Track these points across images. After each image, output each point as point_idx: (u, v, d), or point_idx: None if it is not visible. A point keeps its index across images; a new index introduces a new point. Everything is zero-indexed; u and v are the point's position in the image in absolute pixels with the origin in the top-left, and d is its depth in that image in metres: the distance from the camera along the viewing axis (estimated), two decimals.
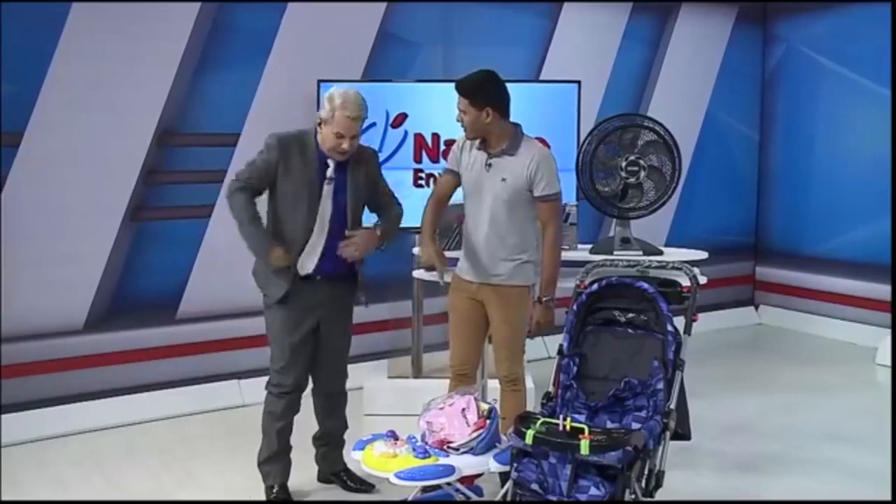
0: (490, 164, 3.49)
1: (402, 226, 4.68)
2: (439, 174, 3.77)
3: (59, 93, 4.50)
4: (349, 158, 3.52)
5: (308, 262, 3.52)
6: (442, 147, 4.89)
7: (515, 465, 2.90)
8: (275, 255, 3.42)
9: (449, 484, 3.17)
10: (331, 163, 3.49)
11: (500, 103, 3.46)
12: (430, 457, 3.04)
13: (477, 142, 3.53)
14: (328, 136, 3.43)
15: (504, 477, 3.12)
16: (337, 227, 3.53)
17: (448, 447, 3.08)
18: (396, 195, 3.79)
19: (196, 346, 5.03)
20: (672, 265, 3.53)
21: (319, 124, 3.46)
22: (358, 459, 3.18)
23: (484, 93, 3.44)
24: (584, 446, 2.70)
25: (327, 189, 3.50)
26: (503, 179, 3.46)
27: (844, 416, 4.84)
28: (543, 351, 5.40)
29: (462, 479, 3.15)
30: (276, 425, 3.59)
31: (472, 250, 3.57)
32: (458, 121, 3.51)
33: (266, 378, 3.64)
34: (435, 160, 4.90)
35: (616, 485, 2.75)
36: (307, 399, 3.71)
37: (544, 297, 3.53)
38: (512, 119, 3.54)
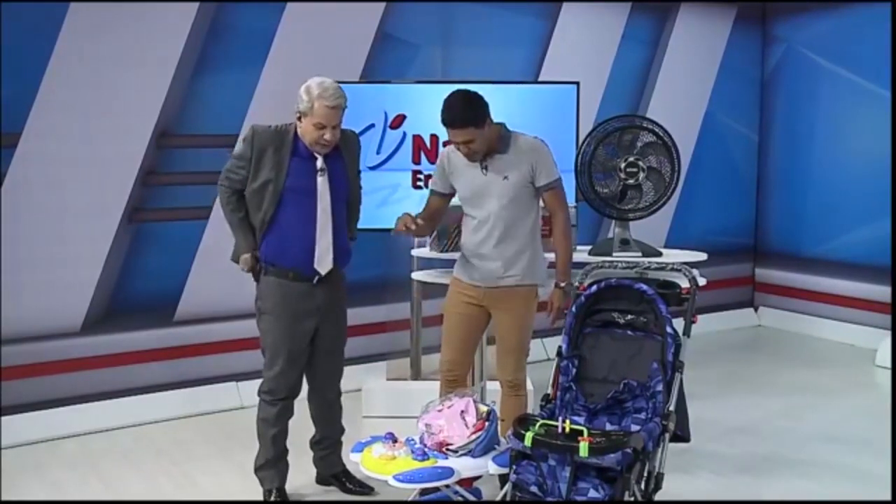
0: (486, 167, 3.47)
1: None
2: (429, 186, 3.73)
3: (56, 94, 4.48)
4: (338, 145, 3.48)
5: (325, 261, 3.49)
6: (441, 148, 4.88)
7: (514, 467, 2.89)
8: (241, 259, 3.49)
9: (448, 486, 3.16)
10: (318, 154, 3.46)
11: (489, 109, 3.44)
12: (428, 459, 3.03)
13: (462, 149, 3.46)
14: (309, 128, 3.37)
15: (503, 479, 3.11)
16: (338, 220, 3.52)
17: (447, 449, 3.07)
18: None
19: (194, 348, 5.02)
20: (671, 266, 3.52)
21: (299, 118, 3.41)
22: (356, 461, 3.17)
23: (480, 110, 3.39)
24: (584, 448, 2.70)
25: (322, 181, 3.45)
26: (505, 178, 3.44)
27: (844, 418, 4.83)
28: (542, 353, 5.39)
29: (461, 482, 3.15)
30: (271, 431, 3.58)
31: (479, 255, 3.53)
32: (464, 153, 3.45)
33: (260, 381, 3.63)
34: (434, 161, 4.88)
35: (615, 487, 2.74)
36: (303, 402, 3.69)
37: (562, 283, 3.55)
38: (498, 120, 3.51)
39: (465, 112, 3.37)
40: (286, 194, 3.41)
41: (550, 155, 3.52)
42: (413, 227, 3.40)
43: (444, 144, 4.84)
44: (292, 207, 3.43)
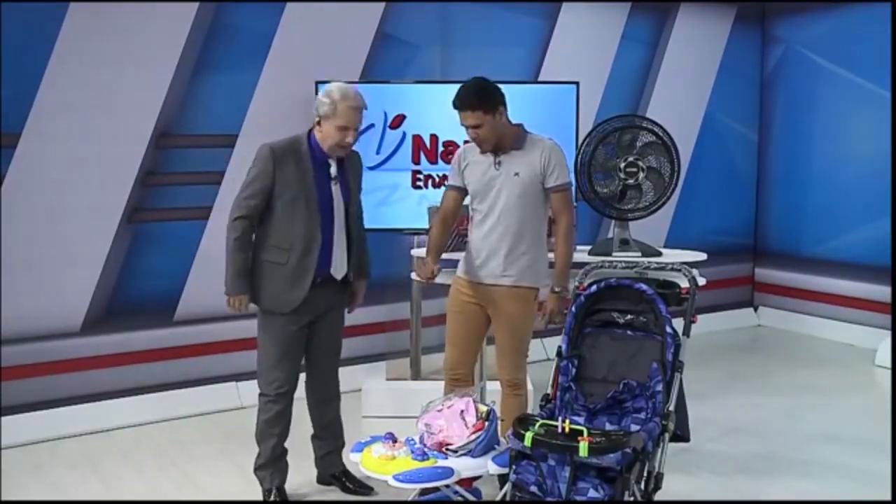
0: (500, 162, 3.50)
1: (399, 227, 4.71)
2: (444, 184, 3.75)
3: (56, 94, 4.48)
4: (343, 159, 3.53)
5: (340, 266, 3.53)
6: (440, 148, 4.89)
7: (514, 467, 2.89)
8: (234, 301, 3.43)
9: (447, 486, 3.16)
10: (332, 162, 3.49)
11: (505, 101, 3.47)
12: (428, 459, 3.03)
13: (471, 134, 3.49)
14: (330, 132, 3.40)
15: (503, 479, 3.11)
16: (346, 227, 3.55)
17: (446, 449, 3.07)
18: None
19: (193, 348, 5.02)
20: (671, 266, 3.52)
21: (318, 123, 3.43)
22: (356, 461, 3.17)
23: (492, 97, 3.43)
24: (583, 448, 2.70)
25: (336, 189, 3.49)
26: (516, 174, 3.46)
27: (844, 418, 4.84)
28: (542, 353, 5.39)
29: (460, 482, 3.15)
30: (272, 432, 3.57)
31: (482, 251, 3.54)
32: (472, 139, 3.49)
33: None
34: (433, 161, 4.89)
35: (615, 487, 2.74)
36: (302, 401, 3.69)
37: (557, 288, 3.53)
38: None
39: (475, 95, 3.42)
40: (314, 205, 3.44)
41: (564, 158, 3.54)
42: (433, 274, 3.50)
43: (445, 144, 4.87)
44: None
